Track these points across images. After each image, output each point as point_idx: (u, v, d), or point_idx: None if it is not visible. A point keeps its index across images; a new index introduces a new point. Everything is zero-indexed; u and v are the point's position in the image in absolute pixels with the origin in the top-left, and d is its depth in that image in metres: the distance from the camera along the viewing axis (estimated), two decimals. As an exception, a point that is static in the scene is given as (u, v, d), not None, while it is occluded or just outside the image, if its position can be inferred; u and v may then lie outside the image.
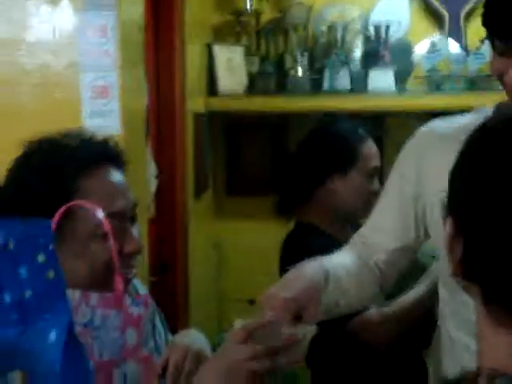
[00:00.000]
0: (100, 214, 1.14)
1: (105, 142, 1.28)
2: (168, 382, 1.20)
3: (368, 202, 2.06)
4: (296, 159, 2.17)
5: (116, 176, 1.26)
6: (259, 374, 1.04)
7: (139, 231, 1.33)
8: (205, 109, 2.82)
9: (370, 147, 2.09)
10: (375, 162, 2.08)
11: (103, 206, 1.17)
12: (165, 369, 1.20)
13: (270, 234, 3.08)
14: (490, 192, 0.71)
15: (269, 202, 3.13)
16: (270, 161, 3.09)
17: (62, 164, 1.20)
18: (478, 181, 0.73)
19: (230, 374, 1.04)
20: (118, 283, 0.96)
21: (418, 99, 2.83)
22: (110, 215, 1.18)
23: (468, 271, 0.74)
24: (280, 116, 3.02)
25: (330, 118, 2.33)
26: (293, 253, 2.04)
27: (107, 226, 1.14)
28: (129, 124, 1.78)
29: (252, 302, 3.08)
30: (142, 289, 1.43)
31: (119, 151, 1.29)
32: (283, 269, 1.98)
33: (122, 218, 1.24)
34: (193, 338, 1.29)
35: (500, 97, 2.62)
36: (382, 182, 2.10)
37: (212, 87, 2.86)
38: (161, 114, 2.38)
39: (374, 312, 1.82)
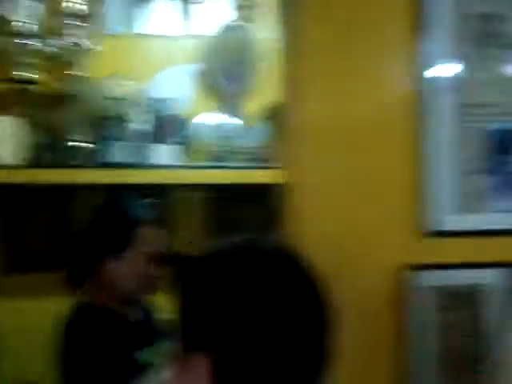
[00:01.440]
0: None
1: None
2: None
3: (145, 283, 2.08)
4: (79, 236, 2.16)
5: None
6: None
7: None
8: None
9: (147, 231, 2.09)
10: (153, 246, 2.08)
11: None
12: None
13: (53, 313, 2.97)
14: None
15: (52, 278, 3.04)
16: (52, 235, 3.00)
17: None
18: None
19: None
20: None
21: (201, 173, 2.89)
22: None
23: None
24: (60, 189, 2.95)
25: (114, 195, 2.33)
26: (75, 337, 2.01)
27: None
28: None
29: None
30: None
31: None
32: (67, 354, 1.96)
33: None
34: None
35: (277, 173, 2.75)
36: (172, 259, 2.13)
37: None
38: None
39: None
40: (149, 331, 2.13)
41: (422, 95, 1.57)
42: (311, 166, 1.59)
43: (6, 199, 2.94)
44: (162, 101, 2.92)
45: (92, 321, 2.05)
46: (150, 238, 2.12)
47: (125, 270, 2.09)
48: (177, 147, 2.89)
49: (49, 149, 2.81)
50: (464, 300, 1.54)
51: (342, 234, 1.57)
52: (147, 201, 2.26)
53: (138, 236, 2.10)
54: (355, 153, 1.60)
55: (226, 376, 0.83)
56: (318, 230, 1.54)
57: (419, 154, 1.58)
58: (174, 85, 3.02)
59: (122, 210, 2.16)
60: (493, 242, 1.57)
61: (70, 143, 2.80)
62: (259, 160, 2.91)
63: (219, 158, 2.94)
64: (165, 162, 2.85)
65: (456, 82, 1.58)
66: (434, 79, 1.57)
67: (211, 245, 0.98)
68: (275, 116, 2.90)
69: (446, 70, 1.58)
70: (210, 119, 2.98)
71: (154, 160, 2.85)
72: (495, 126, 1.60)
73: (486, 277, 1.54)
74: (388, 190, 1.60)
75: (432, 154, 1.57)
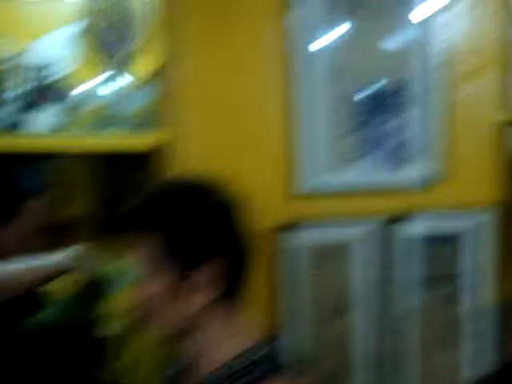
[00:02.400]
0: None
1: None
2: None
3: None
4: None
5: None
6: None
7: None
8: None
9: (34, 203, 2.10)
10: (40, 218, 2.09)
11: None
12: None
13: None
14: None
15: None
16: None
17: None
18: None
19: None
20: None
21: (81, 140, 2.82)
22: None
23: None
24: None
25: None
26: None
27: None
28: None
29: None
30: None
31: None
32: None
33: None
34: None
35: (158, 136, 2.73)
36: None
37: None
38: None
39: None
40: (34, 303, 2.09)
41: (295, 60, 1.60)
42: (193, 126, 1.60)
43: None
44: (44, 66, 2.82)
45: None
46: (36, 210, 2.06)
47: (9, 242, 2.03)
48: (59, 114, 2.80)
49: None
50: (334, 256, 1.60)
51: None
52: (33, 170, 2.19)
53: (23, 208, 2.04)
54: (232, 115, 1.61)
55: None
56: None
57: (292, 117, 1.61)
58: (56, 48, 2.92)
59: (7, 182, 2.09)
60: (360, 199, 1.63)
61: None
62: (144, 123, 2.88)
63: (103, 123, 2.88)
64: (46, 128, 2.77)
65: (328, 48, 1.61)
66: (306, 45, 1.60)
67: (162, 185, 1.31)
68: (160, 78, 2.87)
69: (319, 36, 1.61)
70: (93, 83, 2.91)
71: (35, 127, 2.76)
72: (363, 90, 1.65)
73: (355, 233, 1.60)
74: (262, 152, 1.62)
75: (304, 117, 1.60)
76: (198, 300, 1.20)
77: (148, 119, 2.84)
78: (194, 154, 1.58)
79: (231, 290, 1.23)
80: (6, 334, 1.95)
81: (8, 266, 1.90)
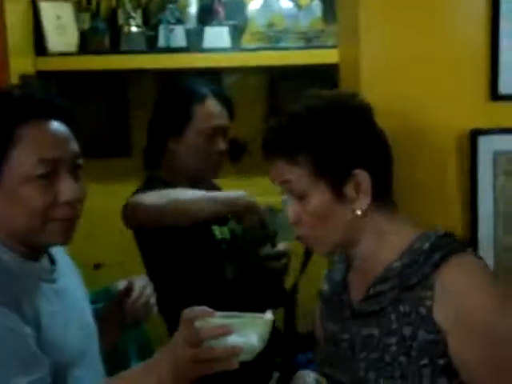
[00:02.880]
0: (31, 158, 1.26)
1: (50, 95, 1.35)
2: (130, 303, 1.45)
3: (212, 162, 2.07)
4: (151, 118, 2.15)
5: (54, 126, 1.32)
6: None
7: (83, 182, 1.35)
8: (34, 69, 2.69)
9: (206, 107, 2.04)
10: (214, 121, 2.03)
11: (36, 152, 1.27)
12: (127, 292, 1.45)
13: (113, 196, 3.03)
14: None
15: (113, 163, 3.08)
16: (108, 121, 3.02)
17: (1, 113, 1.29)
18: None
19: (176, 367, 1.14)
20: None
21: (254, 55, 2.84)
22: (44, 162, 1.27)
23: None
24: (116, 74, 2.94)
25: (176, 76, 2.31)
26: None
27: (39, 170, 1.26)
28: None
29: (98, 265, 3.03)
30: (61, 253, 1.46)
31: (65, 105, 1.35)
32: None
33: (57, 166, 1.29)
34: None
35: (332, 54, 2.68)
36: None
37: (40, 46, 2.72)
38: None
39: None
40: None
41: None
42: (376, 35, 1.53)
43: (61, 87, 2.95)
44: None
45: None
46: (207, 115, 2.07)
47: (186, 149, 2.06)
48: (231, 30, 2.82)
49: (105, 34, 2.78)
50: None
51: (409, 99, 1.53)
52: (207, 79, 2.21)
53: (195, 113, 2.06)
54: (426, 18, 1.52)
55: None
56: (381, 97, 1.49)
57: (493, 19, 1.50)
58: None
59: (182, 88, 2.12)
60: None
61: (126, 29, 2.77)
62: (312, 40, 2.84)
63: (273, 40, 2.87)
64: (219, 45, 2.80)
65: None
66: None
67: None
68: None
69: None
70: (262, 1, 2.89)
71: (209, 44, 2.80)
72: None
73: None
74: (460, 56, 1.53)
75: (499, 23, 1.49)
76: (353, 211, 1.24)
77: (323, 34, 2.81)
78: (377, 66, 1.51)
79: (382, 196, 1.27)
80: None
81: (190, 193, 1.93)
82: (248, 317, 1.15)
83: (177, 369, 1.15)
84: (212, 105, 2.05)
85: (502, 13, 1.49)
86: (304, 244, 1.35)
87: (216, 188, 2.22)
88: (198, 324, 1.13)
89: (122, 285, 1.48)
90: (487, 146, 1.48)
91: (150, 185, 2.10)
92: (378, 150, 1.28)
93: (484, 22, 1.50)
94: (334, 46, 2.76)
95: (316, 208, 1.24)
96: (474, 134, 1.50)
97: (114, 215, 3.01)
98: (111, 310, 1.52)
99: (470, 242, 1.51)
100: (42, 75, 2.69)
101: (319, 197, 1.24)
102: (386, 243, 1.27)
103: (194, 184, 2.10)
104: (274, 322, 1.16)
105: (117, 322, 1.51)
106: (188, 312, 1.15)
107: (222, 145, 2.06)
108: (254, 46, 2.86)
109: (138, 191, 2.08)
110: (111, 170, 3.03)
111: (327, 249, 1.30)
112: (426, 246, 1.24)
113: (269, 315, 1.15)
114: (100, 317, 1.51)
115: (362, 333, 1.27)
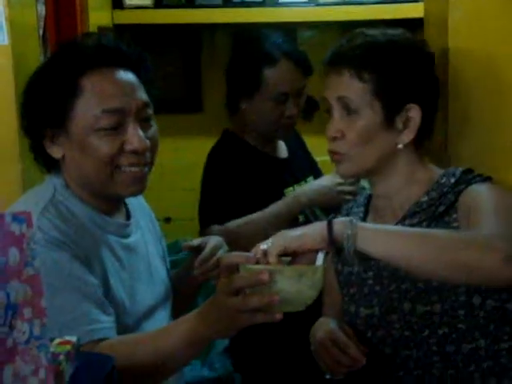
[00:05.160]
0: (95, 110, 1.25)
1: (118, 44, 1.33)
2: (198, 262, 1.38)
3: (282, 125, 2.04)
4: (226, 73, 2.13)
5: (121, 75, 1.30)
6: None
7: (153, 131, 1.33)
8: (111, 22, 2.70)
9: (278, 71, 1.99)
10: (285, 86, 1.99)
11: (99, 103, 1.26)
12: (199, 250, 1.40)
13: (183, 152, 3.05)
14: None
15: (184, 118, 3.09)
16: (180, 76, 3.02)
17: (67, 62, 1.29)
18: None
19: (221, 321, 1.08)
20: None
21: (329, 10, 2.78)
22: (109, 111, 1.26)
23: None
24: (190, 29, 2.93)
25: (252, 31, 2.25)
26: (214, 160, 2.05)
27: (103, 121, 1.25)
28: (17, 34, 1.69)
29: (168, 219, 3.07)
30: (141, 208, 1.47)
31: (134, 53, 1.34)
32: (206, 178, 2.02)
33: (123, 116, 1.28)
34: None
35: (409, 8, 2.60)
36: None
37: (117, 0, 2.74)
38: (61, 27, 2.26)
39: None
40: (292, 169, 2.12)
41: None
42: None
43: (136, 40, 2.95)
44: None
45: (234, 149, 2.06)
46: (277, 79, 2.02)
47: (256, 111, 2.03)
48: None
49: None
50: None
51: (497, 56, 1.47)
52: (283, 37, 2.15)
53: (266, 77, 2.01)
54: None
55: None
56: (468, 53, 1.44)
57: None
58: None
59: (252, 50, 2.07)
60: None
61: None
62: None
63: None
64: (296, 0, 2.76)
65: None
66: None
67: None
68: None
69: None
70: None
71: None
72: None
73: None
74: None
75: None
76: (396, 143, 1.30)
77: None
78: (466, 21, 1.45)
79: (423, 138, 1.33)
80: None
81: (254, 219, 1.89)
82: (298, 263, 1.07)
83: (220, 319, 1.09)
84: (284, 68, 2.00)
85: None
86: (333, 160, 1.35)
87: (298, 141, 2.20)
88: (242, 270, 1.05)
89: (195, 242, 1.45)
90: None
91: (225, 141, 2.10)
92: (434, 95, 1.34)
93: None
94: (412, 1, 2.72)
95: (364, 126, 1.29)
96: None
97: (184, 170, 3.04)
98: (184, 268, 1.51)
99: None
100: (118, 28, 2.71)
101: (371, 116, 1.29)
102: (415, 180, 1.33)
103: (267, 142, 2.09)
104: (325, 268, 1.07)
105: (190, 280, 1.48)
106: (227, 257, 1.12)
107: (293, 109, 2.02)
108: (329, 0, 2.80)
109: (215, 147, 2.09)
110: (182, 126, 3.05)
111: (356, 170, 1.33)
112: (452, 180, 1.29)
113: (320, 261, 1.07)
114: (175, 274, 1.52)
115: (389, 267, 1.27)
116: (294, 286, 1.02)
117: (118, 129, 1.27)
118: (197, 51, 3.03)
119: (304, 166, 2.18)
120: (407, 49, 1.32)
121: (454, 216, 1.26)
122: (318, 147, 2.02)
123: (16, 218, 0.80)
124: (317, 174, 2.17)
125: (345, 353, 1.22)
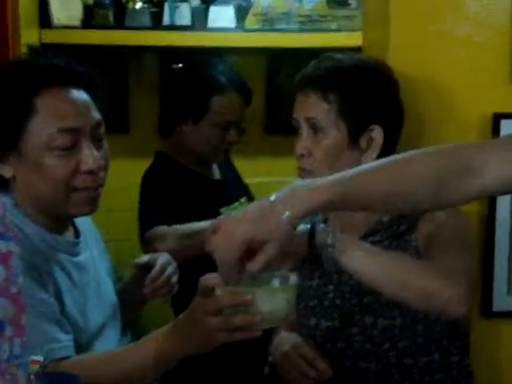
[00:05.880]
0: (50, 129, 1.25)
1: (69, 63, 1.32)
2: (149, 280, 1.38)
3: (222, 149, 2.09)
4: (165, 95, 2.15)
5: (75, 94, 1.30)
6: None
7: (106, 151, 1.33)
8: (39, 41, 2.67)
9: (225, 100, 2.05)
10: (229, 115, 2.05)
11: (54, 122, 1.25)
12: (148, 268, 1.40)
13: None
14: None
15: (110, 139, 3.05)
16: (109, 96, 3.01)
17: (20, 81, 1.28)
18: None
19: (198, 339, 1.09)
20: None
21: (256, 36, 2.85)
22: (64, 131, 1.26)
23: None
24: (118, 50, 2.93)
25: (200, 58, 2.29)
26: (150, 181, 2.07)
27: (58, 141, 1.24)
28: None
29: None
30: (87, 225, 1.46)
31: (85, 72, 1.34)
32: (142, 198, 2.02)
33: (78, 136, 1.27)
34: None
35: (331, 37, 2.70)
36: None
37: (45, 19, 2.71)
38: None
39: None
40: (227, 191, 2.16)
41: None
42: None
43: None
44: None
45: (169, 170, 2.08)
46: (224, 108, 2.08)
47: (198, 136, 2.07)
48: (233, 9, 2.83)
49: (109, 10, 2.77)
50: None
51: (435, 80, 1.56)
52: (228, 66, 2.20)
53: (213, 106, 2.06)
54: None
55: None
56: (408, 78, 1.53)
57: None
58: None
59: (202, 77, 2.11)
60: None
61: (130, 5, 2.77)
62: (315, 24, 2.86)
63: (275, 22, 2.89)
64: (223, 24, 2.81)
65: None
66: None
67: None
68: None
69: None
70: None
71: (213, 23, 2.81)
72: None
73: None
74: (487, 40, 1.56)
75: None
76: (361, 160, 1.35)
77: (325, 18, 2.83)
78: (405, 49, 1.55)
79: (386, 156, 1.33)
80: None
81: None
82: (271, 276, 1.10)
83: (197, 338, 1.10)
84: (232, 97, 2.07)
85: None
86: (301, 177, 1.39)
87: (226, 170, 2.24)
88: (218, 291, 1.07)
89: (144, 259, 1.45)
90: (510, 129, 1.53)
91: (160, 163, 2.12)
92: (397, 116, 1.41)
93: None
94: (337, 30, 2.83)
95: (330, 145, 1.36)
96: (497, 117, 1.55)
97: (113, 191, 3.00)
98: (131, 285, 1.51)
99: (489, 220, 1.57)
100: (45, 47, 2.68)
101: (336, 136, 1.36)
102: None
103: (202, 164, 2.13)
104: (298, 285, 1.11)
105: (136, 297, 1.49)
106: (205, 279, 1.13)
107: (235, 136, 2.09)
108: (256, 27, 2.87)
109: (150, 169, 2.10)
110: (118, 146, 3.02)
111: None
112: None
113: (293, 279, 1.10)
114: (121, 290, 1.52)
115: (351, 281, 1.32)
116: (271, 305, 1.06)
117: (72, 148, 1.27)
118: (124, 72, 3.03)
119: (236, 188, 2.23)
120: (371, 72, 1.40)
121: (414, 236, 1.33)
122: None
123: (2, 235, 0.81)
124: (249, 195, 2.22)
125: (312, 366, 1.26)
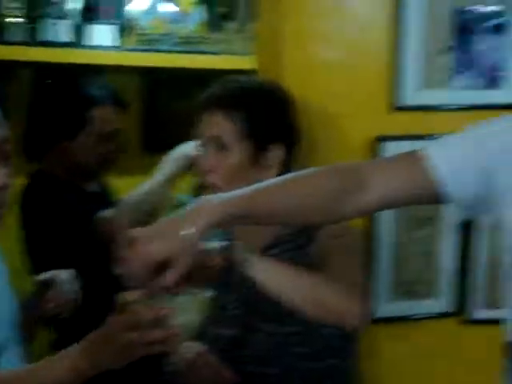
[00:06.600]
0: None
1: None
2: (47, 296, 1.43)
3: (105, 161, 2.12)
4: (34, 113, 2.13)
5: None
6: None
7: (10, 169, 1.27)
8: None
9: (104, 112, 2.11)
10: (110, 125, 2.12)
11: None
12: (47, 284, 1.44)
13: None
14: None
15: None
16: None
17: None
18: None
19: (106, 343, 1.10)
20: None
21: (135, 56, 2.87)
22: None
23: None
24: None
25: (68, 75, 2.29)
26: (33, 202, 2.06)
27: None
28: None
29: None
30: None
31: None
32: (26, 219, 1.99)
33: None
34: None
35: (216, 60, 2.75)
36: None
37: None
38: None
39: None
40: (105, 203, 2.17)
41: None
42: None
43: None
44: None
45: (49, 187, 2.07)
46: (103, 120, 2.12)
47: (80, 149, 2.10)
48: (113, 28, 2.84)
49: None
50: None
51: (324, 104, 1.66)
52: (97, 81, 2.24)
53: (93, 117, 2.10)
54: (334, 25, 1.66)
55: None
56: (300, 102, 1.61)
57: (391, 38, 1.68)
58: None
59: (76, 91, 2.14)
60: (455, 115, 1.71)
61: (7, 19, 2.70)
62: (195, 45, 2.93)
63: (155, 42, 2.92)
64: (102, 43, 2.81)
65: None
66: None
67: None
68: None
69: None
70: (146, 2, 2.94)
71: (92, 41, 2.80)
72: (460, 7, 1.71)
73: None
74: (366, 63, 1.68)
75: (402, 36, 1.67)
76: (261, 178, 1.38)
77: (206, 40, 2.90)
78: (298, 75, 1.64)
79: (287, 172, 1.41)
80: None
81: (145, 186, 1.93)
82: (187, 293, 1.15)
83: (113, 353, 1.11)
84: (109, 110, 2.13)
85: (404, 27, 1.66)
86: (209, 192, 1.42)
87: (104, 183, 2.26)
88: (135, 307, 1.09)
89: (44, 276, 1.45)
90: (391, 152, 1.65)
91: (39, 181, 2.10)
92: (295, 135, 1.51)
93: (387, 38, 1.68)
94: (217, 53, 2.90)
95: (234, 162, 1.44)
96: (379, 140, 1.67)
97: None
98: (30, 302, 1.50)
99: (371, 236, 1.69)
100: None
101: (239, 153, 1.44)
102: None
103: (86, 180, 2.14)
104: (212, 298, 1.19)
105: (35, 314, 1.48)
106: (123, 296, 1.14)
107: (116, 145, 2.16)
108: (136, 46, 2.89)
109: (28, 187, 2.08)
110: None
111: None
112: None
113: (209, 292, 1.18)
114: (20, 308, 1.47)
115: (252, 291, 1.36)
116: (187, 317, 1.13)
117: None
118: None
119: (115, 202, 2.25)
120: (272, 94, 1.49)
121: (313, 248, 1.42)
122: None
123: None
124: None
125: (217, 374, 1.30)
